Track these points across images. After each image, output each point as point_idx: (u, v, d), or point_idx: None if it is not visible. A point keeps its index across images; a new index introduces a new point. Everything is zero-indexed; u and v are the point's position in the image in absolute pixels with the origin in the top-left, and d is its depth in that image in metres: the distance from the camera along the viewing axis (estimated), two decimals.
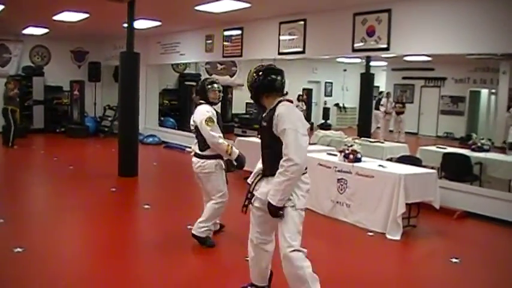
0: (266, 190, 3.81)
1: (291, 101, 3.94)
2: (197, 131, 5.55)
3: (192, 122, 5.67)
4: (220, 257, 5.54)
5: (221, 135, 5.47)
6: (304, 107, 19.61)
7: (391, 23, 8.47)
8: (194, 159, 5.71)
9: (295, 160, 3.57)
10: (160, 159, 12.86)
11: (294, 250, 3.70)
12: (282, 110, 3.74)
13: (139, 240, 6.20)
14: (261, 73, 3.94)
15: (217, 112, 5.65)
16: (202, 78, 17.92)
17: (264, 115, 3.95)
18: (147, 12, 10.66)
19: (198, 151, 5.65)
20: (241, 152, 5.61)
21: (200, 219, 5.58)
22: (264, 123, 3.86)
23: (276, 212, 3.70)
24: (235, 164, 5.57)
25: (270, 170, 3.83)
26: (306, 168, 3.83)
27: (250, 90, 4.04)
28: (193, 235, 5.58)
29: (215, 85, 5.73)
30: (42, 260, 5.15)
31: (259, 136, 4.03)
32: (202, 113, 5.47)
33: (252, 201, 3.98)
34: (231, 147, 5.49)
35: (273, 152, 3.75)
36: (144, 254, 5.62)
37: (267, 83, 3.90)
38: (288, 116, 3.68)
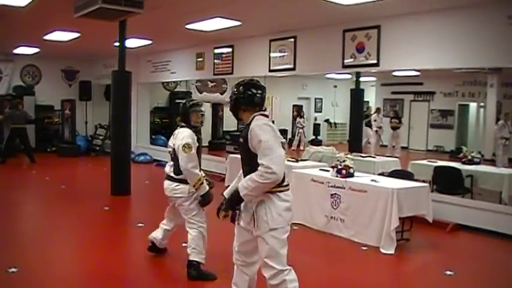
0: (245, 206, 3.75)
1: (267, 116, 3.85)
2: (175, 154, 5.27)
3: (170, 144, 5.42)
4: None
5: (197, 164, 5.16)
6: (305, 124, 19.74)
7: (380, 39, 8.59)
8: (166, 182, 5.43)
9: (273, 169, 3.45)
10: (153, 177, 12.83)
11: (276, 271, 3.60)
12: (255, 124, 3.66)
13: (134, 259, 6.19)
14: (241, 87, 3.88)
15: (198, 138, 5.37)
16: (192, 96, 18.12)
17: (241, 131, 3.89)
18: (138, 31, 10.72)
19: (172, 174, 5.35)
20: (212, 186, 5.34)
21: (190, 248, 5.28)
22: (241, 140, 3.80)
23: (232, 201, 3.72)
24: (199, 199, 5.22)
25: None
26: (288, 185, 3.78)
27: (229, 102, 3.98)
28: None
29: (198, 108, 5.46)
30: (36, 280, 5.14)
31: (239, 153, 3.95)
32: (183, 137, 5.16)
33: (237, 218, 3.88)
34: (202, 182, 5.12)
35: (253, 170, 3.58)
36: (139, 273, 5.61)
37: (246, 97, 3.82)
38: (262, 128, 3.60)
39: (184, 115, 5.41)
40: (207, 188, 5.19)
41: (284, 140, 3.82)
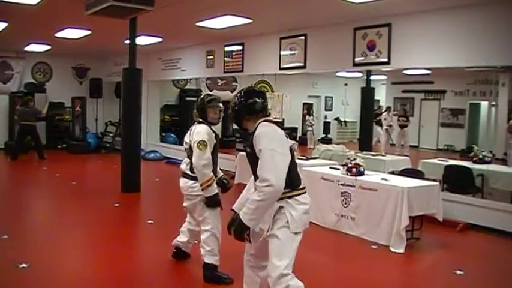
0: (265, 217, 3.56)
1: (271, 121, 3.71)
2: (191, 151, 5.07)
3: (186, 140, 5.20)
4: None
5: (210, 163, 4.92)
6: (314, 122, 19.72)
7: (391, 37, 8.56)
8: (182, 180, 5.24)
9: (271, 180, 3.31)
10: (163, 174, 12.87)
11: (281, 274, 3.46)
12: (259, 130, 3.56)
13: (144, 256, 6.22)
14: (240, 97, 3.81)
15: (216, 135, 5.19)
16: (203, 93, 18.06)
17: (247, 140, 3.73)
18: (149, 29, 10.74)
19: (188, 171, 5.16)
20: (230, 186, 5.32)
21: (203, 250, 5.12)
22: (248, 149, 3.67)
23: (240, 229, 3.51)
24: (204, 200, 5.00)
25: None
26: (304, 188, 3.69)
27: (232, 116, 3.90)
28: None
29: (216, 103, 5.25)
30: (47, 276, 5.17)
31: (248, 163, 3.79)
32: (199, 134, 4.99)
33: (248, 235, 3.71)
34: (210, 184, 4.90)
35: None
36: (151, 270, 5.62)
37: (247, 106, 3.74)
38: (264, 135, 3.50)
39: (202, 111, 5.23)
40: (215, 190, 4.97)
41: (293, 142, 3.75)
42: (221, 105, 5.30)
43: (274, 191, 3.35)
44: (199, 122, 5.18)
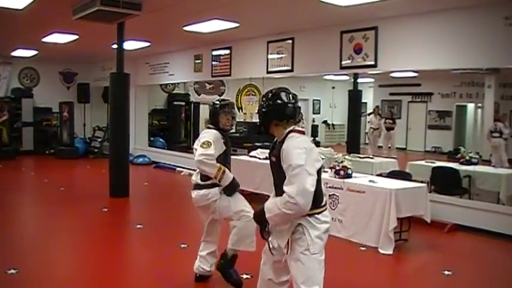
0: (279, 229, 3.41)
1: (303, 132, 3.43)
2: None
3: (195, 147, 4.88)
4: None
5: (213, 156, 4.63)
6: (304, 125, 19.66)
7: (377, 40, 8.61)
8: (195, 192, 4.88)
9: (297, 201, 3.10)
10: (151, 179, 12.86)
11: None
12: (290, 143, 3.27)
13: (133, 261, 6.21)
14: (270, 97, 3.46)
15: (227, 141, 4.89)
16: (190, 98, 18.13)
17: (273, 147, 3.49)
18: (136, 33, 10.73)
19: (199, 181, 4.84)
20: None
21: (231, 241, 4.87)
22: (273, 159, 3.40)
23: (258, 217, 3.41)
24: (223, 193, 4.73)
25: None
26: (326, 204, 3.46)
27: (258, 118, 3.55)
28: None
29: (229, 109, 4.92)
30: (36, 282, 5.15)
31: (271, 171, 3.51)
32: (206, 137, 4.74)
33: (270, 243, 3.53)
34: (223, 172, 4.64)
35: None
36: (139, 275, 5.62)
37: (276, 109, 3.40)
38: (294, 150, 3.21)
39: (214, 116, 4.91)
40: (231, 176, 4.72)
41: (322, 161, 3.48)
42: (235, 111, 5.04)
43: (299, 211, 3.17)
44: (209, 127, 4.92)
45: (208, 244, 5.12)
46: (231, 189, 4.74)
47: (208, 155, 4.59)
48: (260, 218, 3.39)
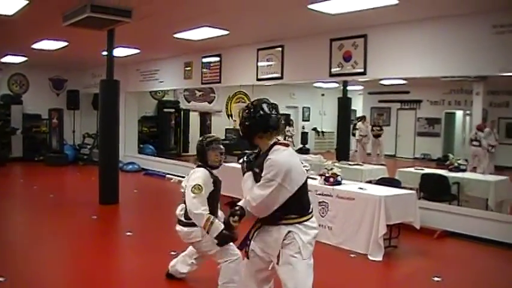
0: (269, 239, 3.45)
1: (287, 145, 3.46)
2: (185, 195, 4.73)
3: (183, 185, 4.90)
4: None
5: (206, 208, 4.51)
6: (294, 133, 19.75)
7: (367, 48, 8.65)
8: (178, 226, 4.94)
9: (254, 208, 3.34)
10: (141, 186, 12.83)
11: None
12: (276, 157, 3.31)
13: (123, 268, 6.20)
14: (252, 108, 3.44)
15: (216, 179, 4.82)
16: (180, 105, 18.06)
17: (256, 158, 3.52)
18: (126, 40, 10.74)
19: (182, 218, 4.86)
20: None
21: (221, 281, 4.72)
22: (257, 170, 3.41)
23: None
24: (215, 241, 4.45)
25: (269, 218, 3.42)
26: (312, 211, 3.51)
27: (240, 130, 3.53)
28: None
29: (216, 145, 4.87)
30: None
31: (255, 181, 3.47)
32: (195, 178, 4.66)
33: (249, 249, 3.59)
34: (211, 223, 4.38)
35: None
36: (129, 282, 5.61)
37: (260, 121, 3.39)
38: (277, 166, 3.27)
39: (201, 153, 4.86)
40: (220, 227, 4.33)
41: (307, 173, 3.58)
42: (222, 146, 4.94)
43: (254, 212, 3.41)
44: (198, 166, 4.86)
45: (190, 252, 5.21)
46: (222, 239, 4.42)
47: (199, 205, 4.50)
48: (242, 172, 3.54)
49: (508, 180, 9.14)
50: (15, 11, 8.10)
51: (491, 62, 7.14)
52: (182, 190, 4.88)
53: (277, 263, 3.40)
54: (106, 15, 7.71)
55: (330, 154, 17.33)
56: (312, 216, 3.47)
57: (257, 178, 3.42)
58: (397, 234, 6.90)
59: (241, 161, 3.63)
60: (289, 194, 3.31)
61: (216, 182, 4.80)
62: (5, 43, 11.94)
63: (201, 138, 5.00)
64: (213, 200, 4.73)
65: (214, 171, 4.86)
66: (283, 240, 3.36)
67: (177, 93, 18.62)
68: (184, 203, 4.75)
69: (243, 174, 3.55)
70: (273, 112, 3.43)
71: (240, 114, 3.53)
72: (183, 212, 4.85)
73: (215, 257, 4.75)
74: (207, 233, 4.44)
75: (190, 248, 5.18)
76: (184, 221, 4.80)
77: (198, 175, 4.70)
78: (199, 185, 4.57)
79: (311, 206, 3.52)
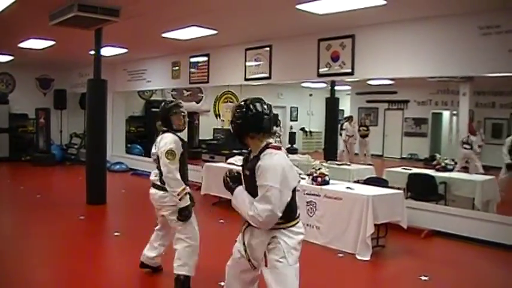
0: (254, 243, 3.40)
1: (280, 148, 3.35)
2: (159, 161, 4.85)
3: (153, 151, 4.97)
4: None
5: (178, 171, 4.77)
6: (281, 133, 19.73)
7: (354, 48, 8.69)
8: (153, 190, 5.03)
9: (264, 221, 3.17)
10: (128, 186, 12.78)
11: None
12: (267, 162, 3.21)
13: (111, 268, 6.17)
14: (245, 107, 3.33)
15: (183, 142, 4.93)
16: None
17: (246, 160, 3.45)
18: (114, 40, 10.70)
19: (158, 182, 4.95)
20: (193, 201, 4.90)
21: (176, 263, 4.89)
22: (247, 172, 3.35)
23: (228, 186, 3.45)
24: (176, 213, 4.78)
25: None
26: (299, 216, 3.44)
27: (232, 128, 3.44)
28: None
29: (179, 109, 4.99)
30: None
31: (244, 184, 3.45)
32: (165, 143, 4.78)
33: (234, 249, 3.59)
34: (185, 194, 4.71)
35: None
36: (117, 282, 5.59)
37: (253, 121, 3.30)
38: (270, 169, 3.18)
39: (165, 119, 4.97)
40: (189, 201, 4.76)
41: (299, 178, 3.48)
42: (184, 110, 5.07)
43: (261, 226, 3.25)
44: (164, 131, 4.97)
45: (160, 234, 5.40)
46: (184, 214, 4.78)
47: (177, 172, 4.74)
48: (228, 187, 3.46)
49: (494, 179, 9.22)
50: (1, 9, 8.02)
51: (477, 62, 7.19)
52: (153, 157, 4.99)
53: (265, 266, 3.35)
54: (93, 15, 7.70)
55: (317, 154, 17.37)
56: (298, 221, 3.41)
57: (246, 179, 3.39)
58: (385, 233, 6.93)
59: (226, 176, 3.54)
60: (289, 198, 3.26)
61: (184, 145, 4.93)
62: None
63: (162, 105, 5.11)
64: (184, 161, 4.90)
65: (179, 134, 5.00)
66: (268, 244, 3.33)
67: (164, 92, 18.56)
68: (157, 168, 4.92)
69: (230, 189, 3.47)
70: (266, 112, 3.34)
71: (232, 112, 3.40)
72: (157, 177, 4.97)
73: (177, 229, 4.91)
74: (179, 200, 4.70)
75: (155, 233, 5.43)
76: (160, 185, 4.92)
77: (168, 140, 4.82)
78: (173, 150, 4.73)
79: (298, 211, 3.46)
